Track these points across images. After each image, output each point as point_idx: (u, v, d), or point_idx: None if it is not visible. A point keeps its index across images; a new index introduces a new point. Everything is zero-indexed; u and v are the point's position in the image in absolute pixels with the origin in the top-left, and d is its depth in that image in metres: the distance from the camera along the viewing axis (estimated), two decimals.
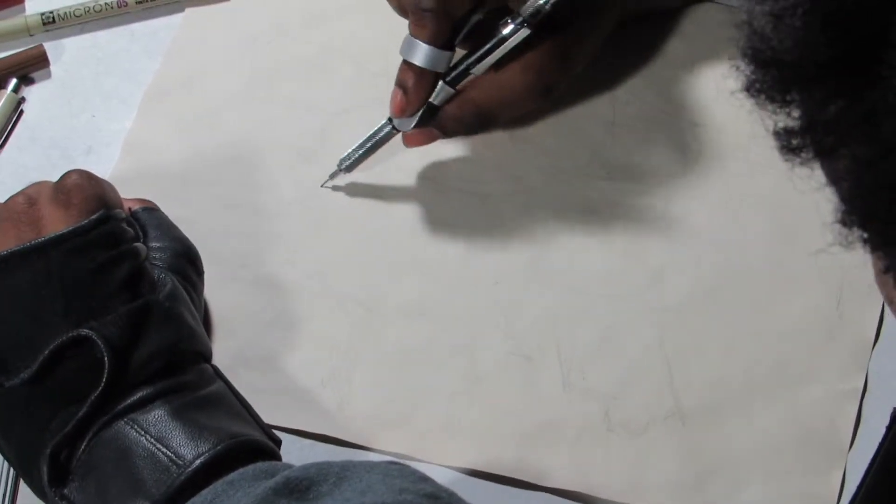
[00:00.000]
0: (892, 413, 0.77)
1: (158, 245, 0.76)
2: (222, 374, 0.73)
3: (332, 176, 0.86)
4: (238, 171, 0.88)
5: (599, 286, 0.83)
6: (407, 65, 0.80)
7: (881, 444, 0.76)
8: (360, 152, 0.85)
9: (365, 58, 0.93)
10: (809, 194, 0.81)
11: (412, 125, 0.83)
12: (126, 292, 0.69)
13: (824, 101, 0.43)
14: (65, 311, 0.67)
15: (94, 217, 0.70)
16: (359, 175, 0.87)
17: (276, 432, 0.74)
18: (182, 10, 0.95)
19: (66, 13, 0.93)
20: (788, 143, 0.46)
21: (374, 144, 0.85)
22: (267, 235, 0.86)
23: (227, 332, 0.82)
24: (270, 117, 0.90)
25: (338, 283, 0.84)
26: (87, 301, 0.68)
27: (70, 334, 0.66)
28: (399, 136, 0.84)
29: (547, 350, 0.81)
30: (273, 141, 0.89)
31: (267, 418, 0.76)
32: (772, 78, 0.45)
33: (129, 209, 0.77)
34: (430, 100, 0.82)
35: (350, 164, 0.86)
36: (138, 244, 0.72)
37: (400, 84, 0.81)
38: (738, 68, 0.46)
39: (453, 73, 0.81)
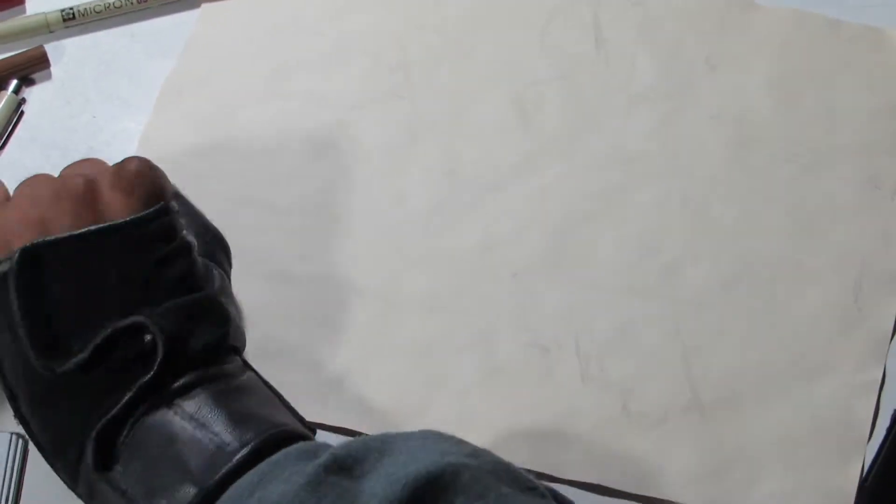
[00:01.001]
0: (893, 415, 0.77)
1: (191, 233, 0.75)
2: (251, 365, 0.72)
3: None
4: (254, 166, 0.88)
5: (617, 278, 0.83)
6: None
7: (882, 445, 0.76)
8: None
9: (382, 52, 0.93)
10: (828, 186, 0.81)
11: None
12: (181, 284, 0.68)
13: None
14: (122, 299, 0.67)
15: (155, 208, 0.70)
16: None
17: None
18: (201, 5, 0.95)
19: (86, 9, 0.93)
20: None
21: None
22: (282, 230, 0.86)
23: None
24: (286, 112, 0.90)
25: (354, 277, 0.84)
26: (143, 291, 0.67)
27: (126, 321, 0.66)
28: None
29: (564, 342, 0.81)
30: (289, 135, 0.89)
31: None
32: None
33: None
34: None
35: None
36: (191, 238, 0.72)
37: None
38: None
39: None
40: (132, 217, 0.69)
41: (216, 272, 0.72)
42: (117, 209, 0.70)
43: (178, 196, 0.78)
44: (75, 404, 0.66)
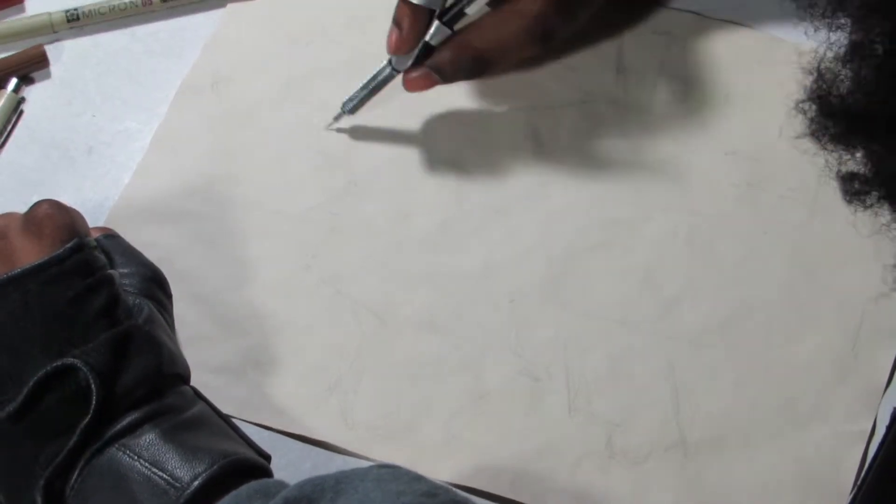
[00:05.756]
0: (893, 413, 0.76)
1: (126, 271, 0.75)
2: (202, 394, 0.72)
3: (337, 118, 0.89)
4: (264, 171, 0.88)
5: (614, 311, 0.83)
6: (403, 2, 0.82)
7: (881, 444, 0.75)
8: (363, 94, 0.88)
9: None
10: (835, 232, 0.81)
11: (409, 63, 0.85)
12: (105, 319, 0.69)
13: (891, 152, 0.42)
14: (45, 342, 0.67)
15: (68, 246, 0.70)
16: (362, 118, 0.89)
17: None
18: (205, 9, 0.95)
19: (91, 11, 0.93)
20: (852, 187, 0.45)
21: (375, 86, 0.87)
22: (286, 238, 0.86)
23: (239, 331, 0.82)
24: (302, 119, 0.91)
25: (352, 291, 0.84)
26: (67, 330, 0.68)
27: (55, 364, 0.66)
28: (399, 83, 0.87)
29: (555, 372, 0.81)
30: (302, 143, 0.90)
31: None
32: (837, 125, 0.44)
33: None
34: (427, 39, 0.84)
35: (353, 106, 0.88)
36: (112, 271, 0.72)
37: (396, 22, 0.83)
38: (803, 111, 0.45)
39: (449, 14, 0.83)
40: (43, 259, 0.69)
41: (146, 304, 0.72)
42: (30, 254, 0.70)
43: (113, 236, 0.78)
44: (18, 453, 0.67)
